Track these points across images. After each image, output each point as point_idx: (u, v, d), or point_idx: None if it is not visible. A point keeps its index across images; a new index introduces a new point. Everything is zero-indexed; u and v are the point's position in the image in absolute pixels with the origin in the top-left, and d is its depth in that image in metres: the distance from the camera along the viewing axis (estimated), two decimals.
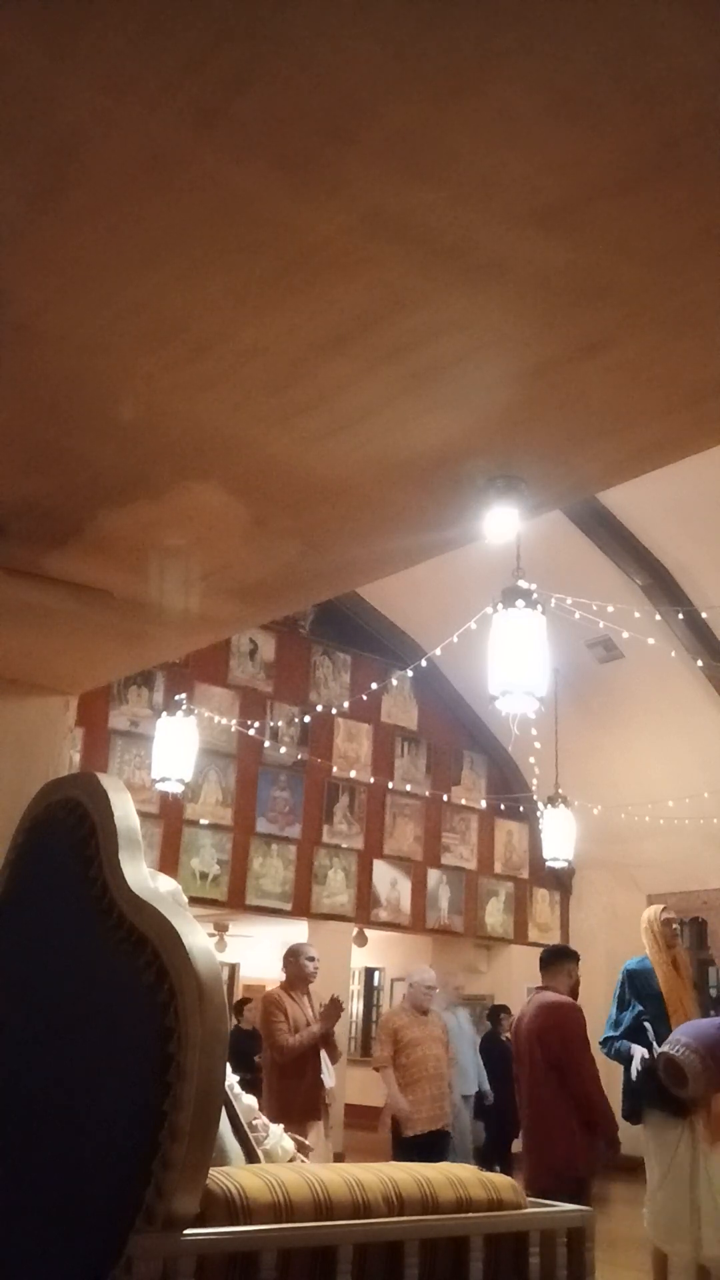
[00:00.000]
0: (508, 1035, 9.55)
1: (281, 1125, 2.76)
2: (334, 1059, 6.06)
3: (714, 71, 1.49)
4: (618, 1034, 5.66)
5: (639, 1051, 5.44)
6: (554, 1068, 5.04)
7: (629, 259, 1.86)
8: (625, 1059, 5.54)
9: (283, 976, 6.24)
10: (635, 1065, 5.41)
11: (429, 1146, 6.56)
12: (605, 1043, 5.67)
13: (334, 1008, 5.95)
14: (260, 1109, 2.86)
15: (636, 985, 5.71)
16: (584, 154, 1.64)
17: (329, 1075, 5.99)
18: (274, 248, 1.88)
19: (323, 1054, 5.96)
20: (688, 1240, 5.21)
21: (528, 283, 1.93)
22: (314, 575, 3.31)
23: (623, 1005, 5.73)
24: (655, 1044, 5.39)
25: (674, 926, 5.95)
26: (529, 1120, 5.17)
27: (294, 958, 6.20)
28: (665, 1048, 5.22)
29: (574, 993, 5.32)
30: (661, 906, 6.01)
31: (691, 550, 10.29)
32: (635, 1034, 5.58)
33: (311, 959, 6.18)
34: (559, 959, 5.46)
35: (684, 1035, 5.24)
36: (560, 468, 2.62)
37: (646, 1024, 5.55)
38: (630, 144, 1.62)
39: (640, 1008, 5.61)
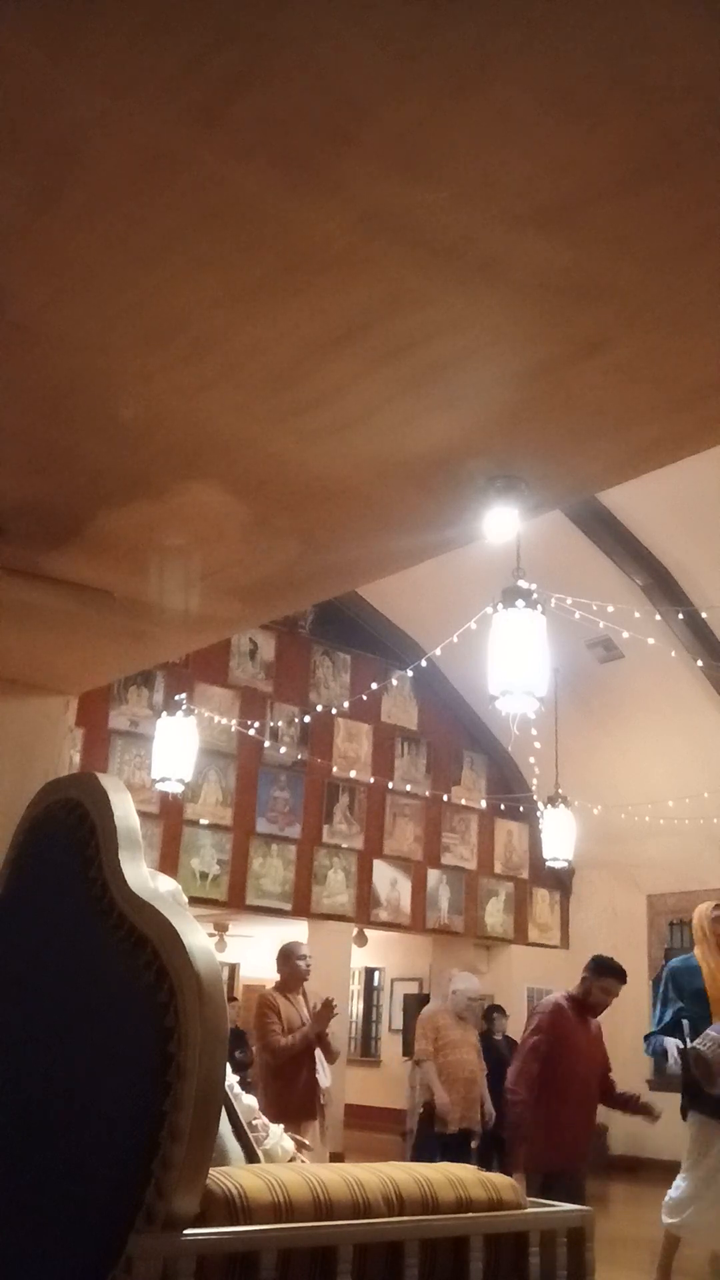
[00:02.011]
0: (499, 1036, 9.57)
1: (281, 1125, 2.76)
2: (330, 1060, 6.07)
3: (714, 71, 1.49)
4: (656, 1030, 5.70)
5: (673, 1045, 5.45)
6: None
7: (629, 259, 1.86)
8: (661, 1054, 5.59)
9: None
10: (671, 1058, 5.44)
11: (459, 1145, 6.71)
12: (647, 1040, 5.74)
13: (326, 1010, 5.95)
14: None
15: (679, 982, 5.72)
16: (584, 154, 1.64)
17: (325, 1075, 5.99)
18: (274, 248, 1.88)
19: (319, 1054, 5.96)
20: None
21: (528, 283, 1.93)
22: (314, 575, 3.31)
23: (665, 1002, 5.76)
24: (689, 1040, 5.42)
25: None
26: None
27: (287, 959, 6.18)
28: (696, 1043, 5.26)
29: (594, 1005, 5.27)
30: (713, 904, 6.00)
31: (691, 550, 10.29)
32: (673, 1030, 5.60)
33: (304, 958, 6.18)
34: (587, 969, 5.41)
35: (715, 1031, 5.27)
36: (560, 468, 2.62)
37: (684, 1020, 5.57)
38: (630, 144, 1.62)
39: (681, 1004, 5.63)
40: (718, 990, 5.64)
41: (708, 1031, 5.30)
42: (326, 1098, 6.05)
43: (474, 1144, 7.26)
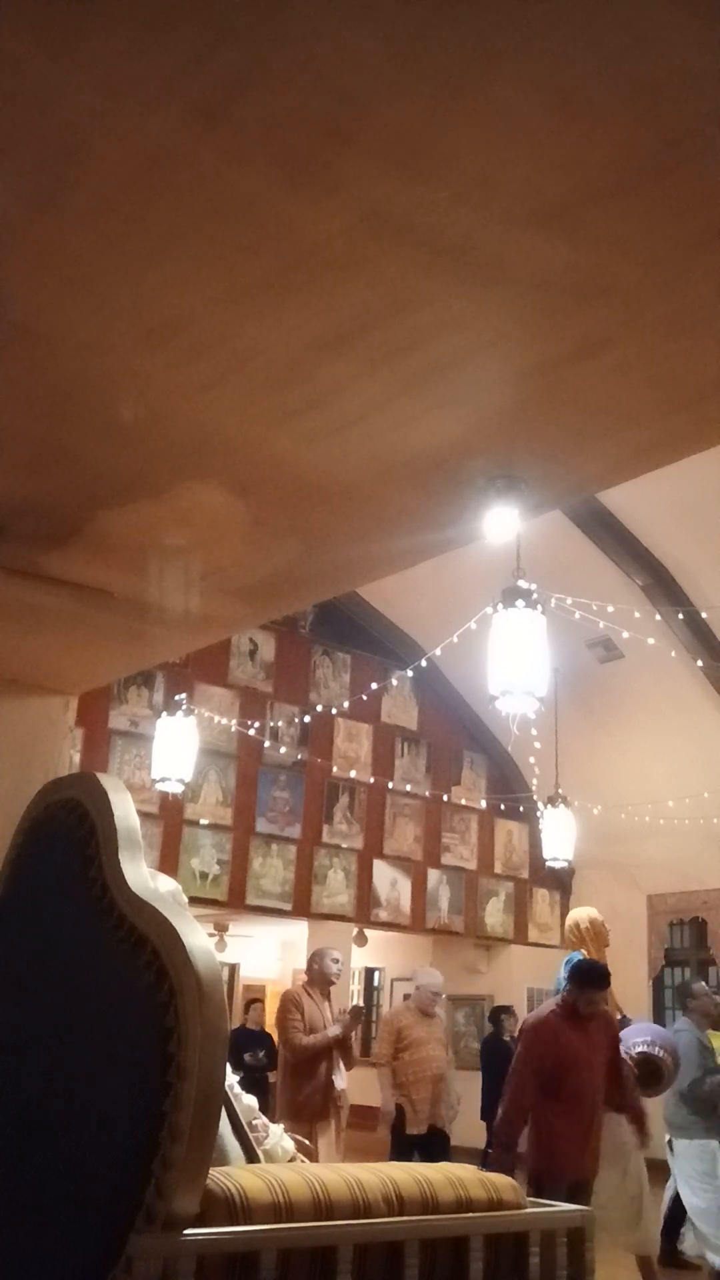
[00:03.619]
0: (509, 1036, 9.55)
1: (282, 1125, 2.76)
2: (348, 1066, 6.12)
3: (714, 71, 1.49)
4: None
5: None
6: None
7: (629, 259, 1.86)
8: None
9: (278, 977, 6.31)
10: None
11: (427, 1144, 6.69)
12: None
13: (354, 1016, 6.07)
14: (272, 1106, 2.88)
15: None
16: (584, 154, 1.64)
17: (341, 1077, 6.04)
18: (274, 248, 1.88)
19: (338, 1058, 6.03)
20: (636, 1234, 5.30)
21: (528, 283, 1.93)
22: (314, 575, 3.31)
23: None
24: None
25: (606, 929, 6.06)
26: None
27: (319, 959, 6.33)
28: (641, 1049, 5.26)
29: (575, 1009, 5.17)
30: (593, 909, 6.13)
31: (691, 550, 10.29)
32: None
33: (335, 961, 6.38)
34: (570, 980, 5.13)
35: (650, 1037, 5.29)
36: (560, 468, 2.62)
37: None
38: (630, 144, 1.62)
39: None
40: (611, 995, 5.69)
41: (639, 1037, 5.32)
42: (343, 1099, 6.10)
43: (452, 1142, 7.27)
